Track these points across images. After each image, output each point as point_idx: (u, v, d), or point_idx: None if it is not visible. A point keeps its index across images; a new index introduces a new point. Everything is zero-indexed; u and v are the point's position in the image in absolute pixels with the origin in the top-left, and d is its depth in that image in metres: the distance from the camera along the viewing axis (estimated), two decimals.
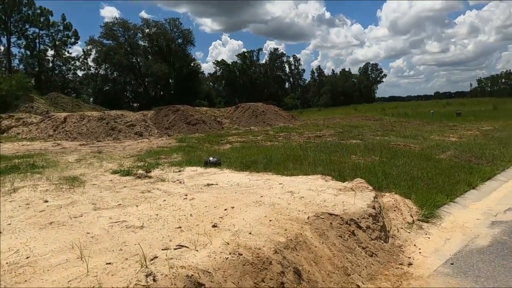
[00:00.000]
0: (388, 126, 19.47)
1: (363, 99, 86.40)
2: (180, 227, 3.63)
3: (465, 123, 19.21)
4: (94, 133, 18.09)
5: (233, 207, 4.23)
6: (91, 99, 55.09)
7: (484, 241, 4.02)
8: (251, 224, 3.54)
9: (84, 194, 5.82)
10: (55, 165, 9.38)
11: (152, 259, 2.72)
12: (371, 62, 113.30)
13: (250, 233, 3.28)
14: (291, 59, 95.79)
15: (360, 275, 3.14)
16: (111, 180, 7.09)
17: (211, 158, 8.38)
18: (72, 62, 58.95)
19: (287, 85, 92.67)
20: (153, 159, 9.72)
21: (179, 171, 7.79)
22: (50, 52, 57.16)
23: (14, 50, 54.94)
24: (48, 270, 2.76)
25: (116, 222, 4.02)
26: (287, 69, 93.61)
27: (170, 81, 63.14)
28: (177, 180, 6.76)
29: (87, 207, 4.93)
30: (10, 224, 4.25)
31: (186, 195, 5.27)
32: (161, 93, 64.66)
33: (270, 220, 3.63)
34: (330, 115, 33.98)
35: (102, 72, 61.67)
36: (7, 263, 2.98)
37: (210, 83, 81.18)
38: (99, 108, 31.26)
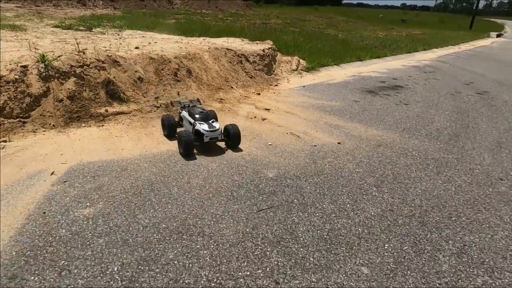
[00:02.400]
0: (335, 23, 20.38)
1: (329, 1, 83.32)
2: (111, 45, 4.73)
3: (403, 28, 20.68)
4: None
5: (156, 42, 5.35)
6: None
7: (336, 82, 5.69)
8: (167, 49, 4.74)
9: (26, 34, 6.50)
10: None
11: (83, 50, 3.88)
12: None
13: (162, 50, 4.50)
14: None
15: (236, 84, 4.62)
16: (52, 31, 7.66)
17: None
18: None
19: None
20: (95, 22, 10.07)
21: (120, 30, 8.46)
22: None
23: None
24: (6, 51, 3.82)
25: (58, 41, 5.00)
26: None
27: None
28: (116, 34, 7.55)
29: (31, 36, 5.74)
30: None
31: (121, 37, 6.23)
32: None
33: (181, 47, 4.85)
34: (287, 11, 33.56)
35: None
36: None
37: None
38: None
